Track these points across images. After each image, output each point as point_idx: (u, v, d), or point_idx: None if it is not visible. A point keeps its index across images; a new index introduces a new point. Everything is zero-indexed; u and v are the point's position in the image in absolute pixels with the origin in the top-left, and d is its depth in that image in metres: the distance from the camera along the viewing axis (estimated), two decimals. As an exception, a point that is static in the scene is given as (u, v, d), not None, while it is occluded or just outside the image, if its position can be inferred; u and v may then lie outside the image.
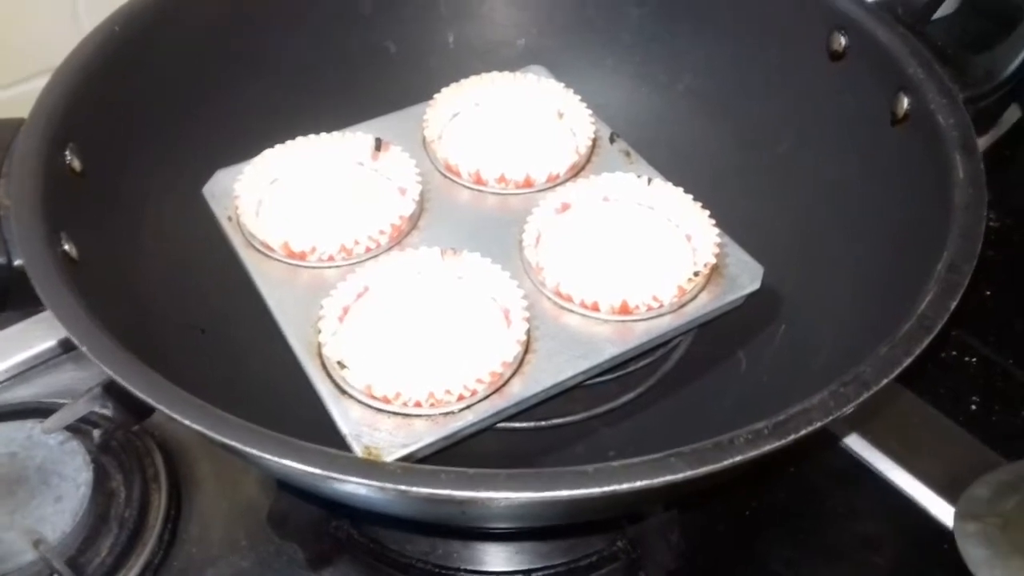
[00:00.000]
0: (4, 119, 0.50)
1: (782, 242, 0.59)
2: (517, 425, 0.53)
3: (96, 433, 0.59)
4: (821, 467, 0.63)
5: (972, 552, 0.53)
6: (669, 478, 0.35)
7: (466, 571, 0.57)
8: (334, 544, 0.57)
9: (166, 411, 0.36)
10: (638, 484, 0.35)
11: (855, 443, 0.64)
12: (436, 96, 0.65)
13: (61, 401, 0.60)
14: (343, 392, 0.49)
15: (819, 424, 0.37)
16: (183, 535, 0.58)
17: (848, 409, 0.38)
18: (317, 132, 0.61)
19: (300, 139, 0.60)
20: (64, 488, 0.55)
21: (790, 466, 0.62)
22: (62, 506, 0.54)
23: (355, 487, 0.35)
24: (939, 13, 0.65)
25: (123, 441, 0.60)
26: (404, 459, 0.46)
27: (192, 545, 0.57)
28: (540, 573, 0.57)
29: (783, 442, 0.37)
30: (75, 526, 0.54)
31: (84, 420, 0.59)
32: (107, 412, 0.60)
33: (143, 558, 0.55)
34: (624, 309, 0.53)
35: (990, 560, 0.52)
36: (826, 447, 0.63)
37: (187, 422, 0.36)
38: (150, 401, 0.37)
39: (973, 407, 0.67)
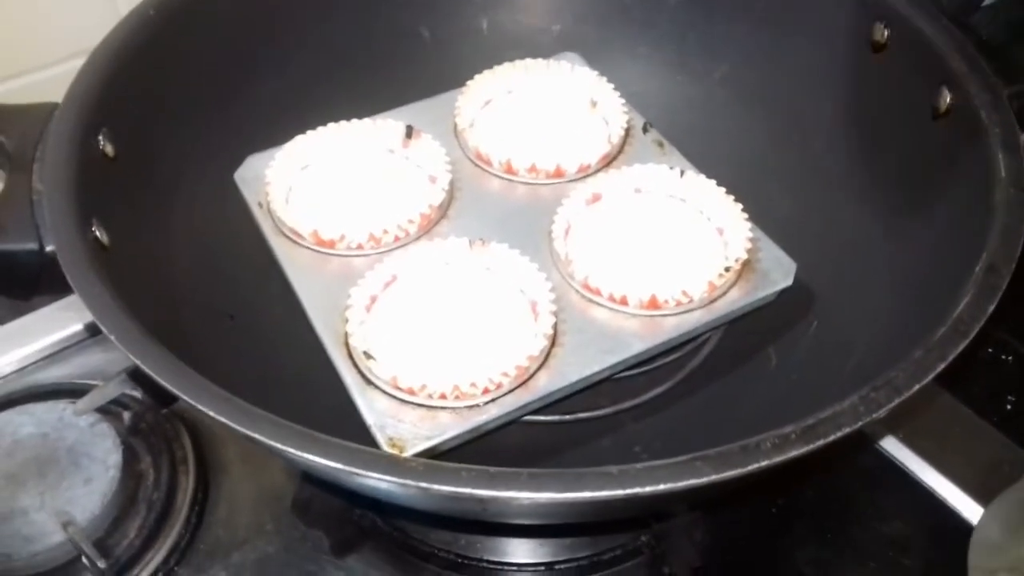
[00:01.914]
0: (38, 103, 0.51)
1: (817, 237, 0.58)
2: (542, 418, 0.53)
3: (126, 415, 0.60)
4: (849, 465, 0.62)
5: None
6: (693, 481, 0.35)
7: (488, 561, 0.57)
8: (358, 531, 0.57)
9: (187, 400, 0.37)
10: (661, 487, 0.34)
11: (885, 441, 0.62)
12: (468, 83, 0.64)
13: (93, 382, 0.61)
14: (369, 382, 0.49)
15: (848, 430, 0.36)
16: (210, 518, 0.58)
17: (879, 415, 0.37)
18: (348, 119, 0.60)
19: (331, 125, 0.60)
20: (94, 470, 0.56)
21: (820, 467, 0.61)
22: (91, 488, 0.55)
23: (376, 482, 0.35)
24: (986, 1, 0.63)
25: (152, 424, 0.60)
26: (428, 451, 0.46)
27: (219, 528, 0.58)
28: (563, 566, 0.57)
29: (811, 447, 0.36)
30: (104, 508, 0.54)
31: (115, 402, 0.60)
32: (137, 394, 0.60)
33: (170, 540, 0.56)
34: (653, 303, 0.52)
35: None
36: (859, 449, 0.62)
37: (208, 411, 0.36)
38: (172, 389, 0.37)
39: (1008, 407, 0.65)
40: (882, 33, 0.58)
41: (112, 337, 0.39)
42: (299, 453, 0.35)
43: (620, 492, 0.34)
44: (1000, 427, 0.63)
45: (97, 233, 0.46)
